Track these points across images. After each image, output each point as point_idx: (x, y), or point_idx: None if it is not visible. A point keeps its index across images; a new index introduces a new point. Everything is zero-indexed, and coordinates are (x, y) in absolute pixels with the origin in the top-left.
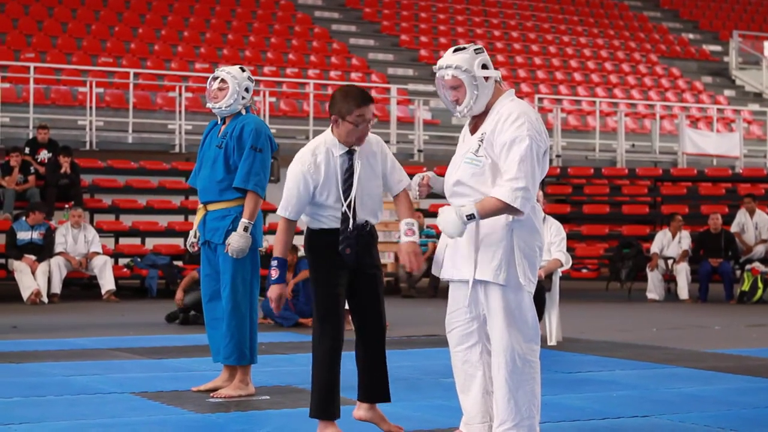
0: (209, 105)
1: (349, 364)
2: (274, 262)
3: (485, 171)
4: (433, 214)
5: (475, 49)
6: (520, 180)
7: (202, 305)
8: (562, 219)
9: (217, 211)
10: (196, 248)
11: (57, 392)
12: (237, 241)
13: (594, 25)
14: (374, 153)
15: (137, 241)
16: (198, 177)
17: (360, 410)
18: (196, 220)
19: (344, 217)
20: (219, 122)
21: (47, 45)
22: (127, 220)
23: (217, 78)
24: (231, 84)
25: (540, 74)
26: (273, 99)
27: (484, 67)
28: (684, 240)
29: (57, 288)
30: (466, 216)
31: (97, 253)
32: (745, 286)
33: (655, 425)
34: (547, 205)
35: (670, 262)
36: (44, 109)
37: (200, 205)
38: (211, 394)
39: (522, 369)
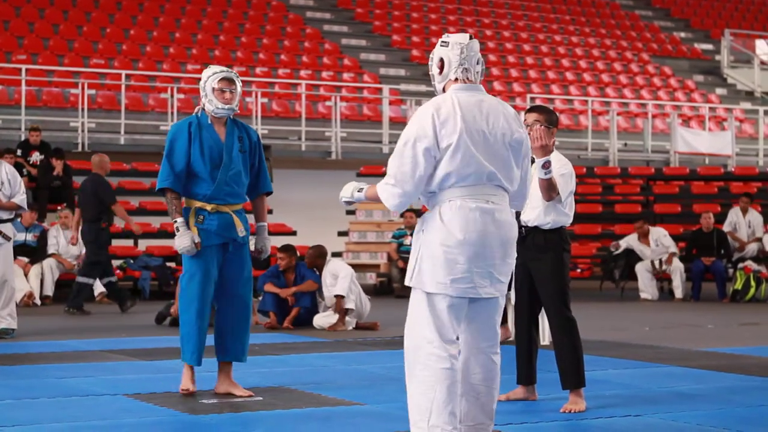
0: (222, 108)
1: (339, 365)
2: None
3: None
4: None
5: (441, 41)
6: (388, 177)
7: (215, 305)
8: None
9: (242, 212)
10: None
11: (49, 394)
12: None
13: (585, 24)
14: None
15: (130, 242)
16: (209, 180)
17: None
18: (193, 218)
19: None
20: (199, 123)
21: (39, 47)
22: (120, 222)
23: (231, 81)
24: (238, 86)
25: (532, 73)
26: (265, 100)
27: (441, 61)
28: (663, 240)
29: (49, 290)
30: (357, 189)
31: None
32: (738, 285)
33: (648, 424)
34: None
35: (656, 261)
36: (36, 110)
37: (209, 205)
38: (239, 394)
39: (412, 369)
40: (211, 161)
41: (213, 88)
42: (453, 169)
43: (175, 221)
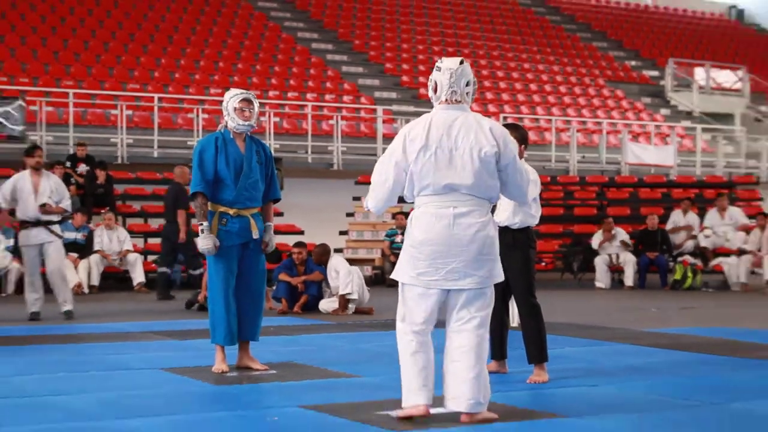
0: (242, 124)
1: (341, 343)
2: None
3: None
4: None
5: (436, 66)
6: (371, 185)
7: (237, 294)
8: None
9: (258, 215)
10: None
11: (97, 368)
12: (273, 237)
13: (550, 54)
14: None
15: None
16: (233, 187)
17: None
18: (217, 220)
19: None
20: (224, 138)
21: (84, 74)
22: (154, 223)
23: (250, 101)
24: (256, 106)
25: (504, 96)
26: (277, 119)
27: (435, 84)
28: (621, 236)
29: (95, 281)
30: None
31: (129, 251)
32: (678, 276)
33: (601, 393)
34: None
35: (614, 256)
36: (82, 128)
37: (231, 209)
38: (256, 368)
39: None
40: (234, 170)
41: (234, 108)
42: (415, 180)
43: (201, 224)
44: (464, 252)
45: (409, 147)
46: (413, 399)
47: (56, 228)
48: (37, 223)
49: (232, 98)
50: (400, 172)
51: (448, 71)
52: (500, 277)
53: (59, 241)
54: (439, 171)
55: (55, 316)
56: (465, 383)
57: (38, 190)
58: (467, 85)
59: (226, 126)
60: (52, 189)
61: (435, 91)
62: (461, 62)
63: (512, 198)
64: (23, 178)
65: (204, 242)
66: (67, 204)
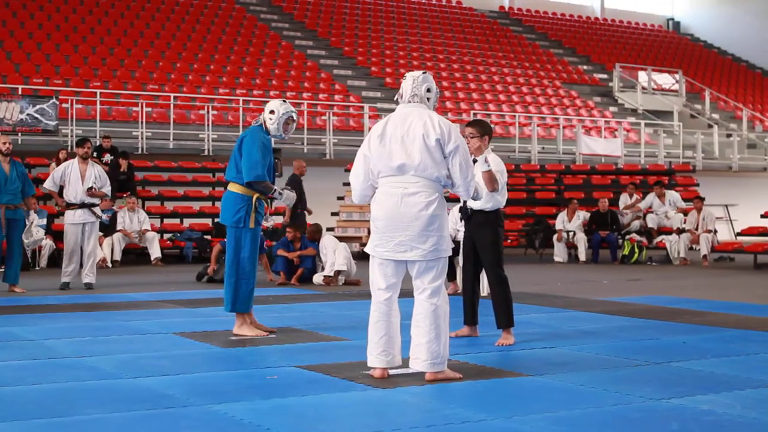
0: (282, 135)
1: (332, 311)
2: None
3: None
4: None
5: (404, 77)
6: None
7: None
8: None
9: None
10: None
11: (118, 333)
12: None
13: (514, 59)
14: None
15: (177, 220)
16: (269, 178)
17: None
18: (257, 206)
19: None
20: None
21: (109, 76)
22: (169, 205)
23: (295, 120)
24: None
25: (474, 95)
26: None
27: (402, 89)
28: (581, 216)
29: (118, 256)
30: None
31: (147, 230)
32: (626, 251)
33: (560, 354)
34: None
35: (571, 234)
36: (107, 123)
37: (262, 197)
38: (271, 331)
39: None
40: (270, 164)
41: (285, 121)
42: (373, 163)
43: (274, 191)
44: (409, 227)
45: (372, 139)
46: (371, 362)
47: (97, 210)
48: (82, 205)
49: (285, 112)
50: (368, 162)
51: (411, 78)
52: (447, 253)
53: (98, 222)
54: (393, 154)
55: (79, 286)
56: (420, 346)
57: (84, 176)
58: (428, 91)
59: (262, 123)
60: (96, 176)
61: (402, 96)
62: (423, 72)
63: (458, 193)
64: (72, 166)
65: (289, 196)
66: (108, 189)
